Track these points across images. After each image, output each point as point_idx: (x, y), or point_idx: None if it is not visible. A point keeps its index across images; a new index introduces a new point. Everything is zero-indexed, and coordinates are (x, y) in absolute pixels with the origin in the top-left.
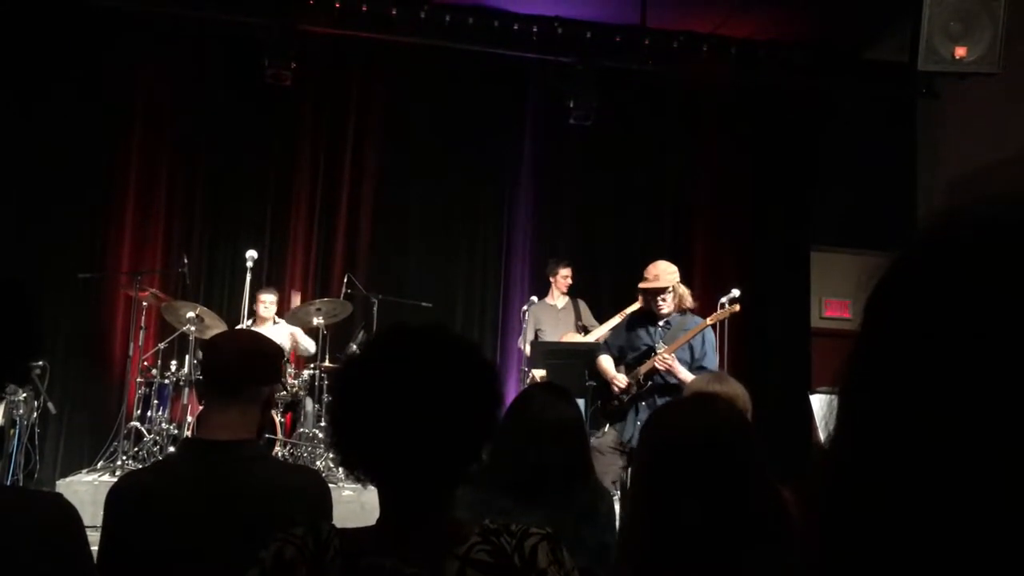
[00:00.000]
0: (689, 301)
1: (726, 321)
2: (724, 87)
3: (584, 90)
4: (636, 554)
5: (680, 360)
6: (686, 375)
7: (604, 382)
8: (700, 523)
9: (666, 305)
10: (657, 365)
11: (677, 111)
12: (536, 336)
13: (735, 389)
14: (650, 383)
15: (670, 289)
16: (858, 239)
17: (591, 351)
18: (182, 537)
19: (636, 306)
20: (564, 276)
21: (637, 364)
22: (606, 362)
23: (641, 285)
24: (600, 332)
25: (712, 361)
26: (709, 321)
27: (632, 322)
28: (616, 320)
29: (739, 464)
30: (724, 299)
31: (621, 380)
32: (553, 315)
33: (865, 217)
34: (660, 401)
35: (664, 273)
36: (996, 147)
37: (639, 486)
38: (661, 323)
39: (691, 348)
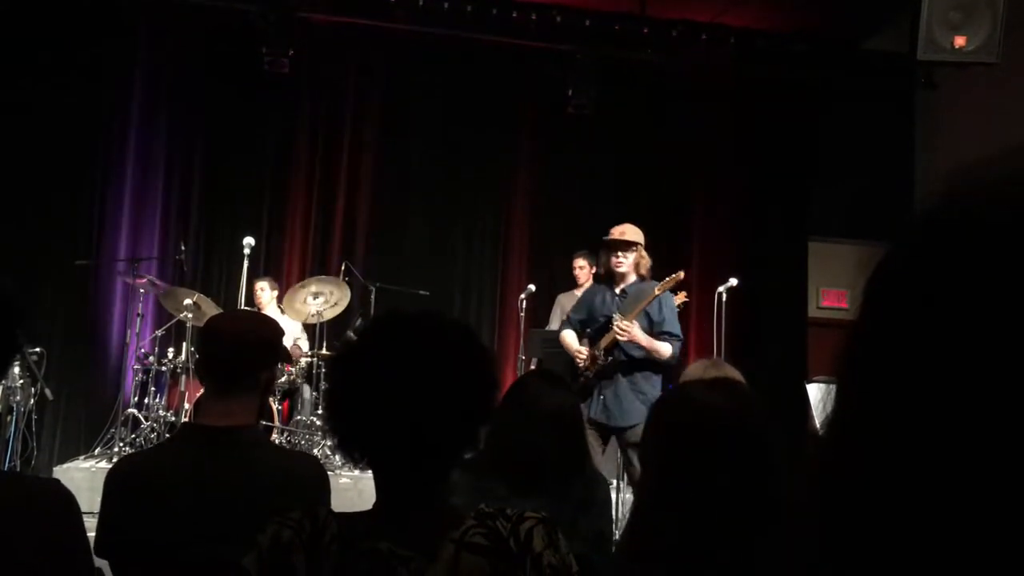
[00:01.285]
0: (646, 270)
1: (723, 309)
2: (723, 76)
3: (583, 79)
4: (656, 544)
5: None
6: (647, 339)
7: (570, 359)
8: (733, 513)
9: (624, 264)
10: (617, 335)
11: (676, 100)
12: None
13: (734, 376)
14: (610, 359)
15: (634, 248)
16: (856, 229)
17: None
18: (179, 521)
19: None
20: (577, 267)
21: (598, 337)
22: (569, 337)
23: (605, 238)
24: None
25: (674, 324)
26: (658, 290)
27: (590, 292)
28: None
29: (769, 451)
30: (722, 288)
31: (583, 353)
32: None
33: (863, 207)
34: (624, 377)
35: (630, 230)
36: (995, 137)
37: (660, 475)
38: (618, 292)
39: (648, 315)
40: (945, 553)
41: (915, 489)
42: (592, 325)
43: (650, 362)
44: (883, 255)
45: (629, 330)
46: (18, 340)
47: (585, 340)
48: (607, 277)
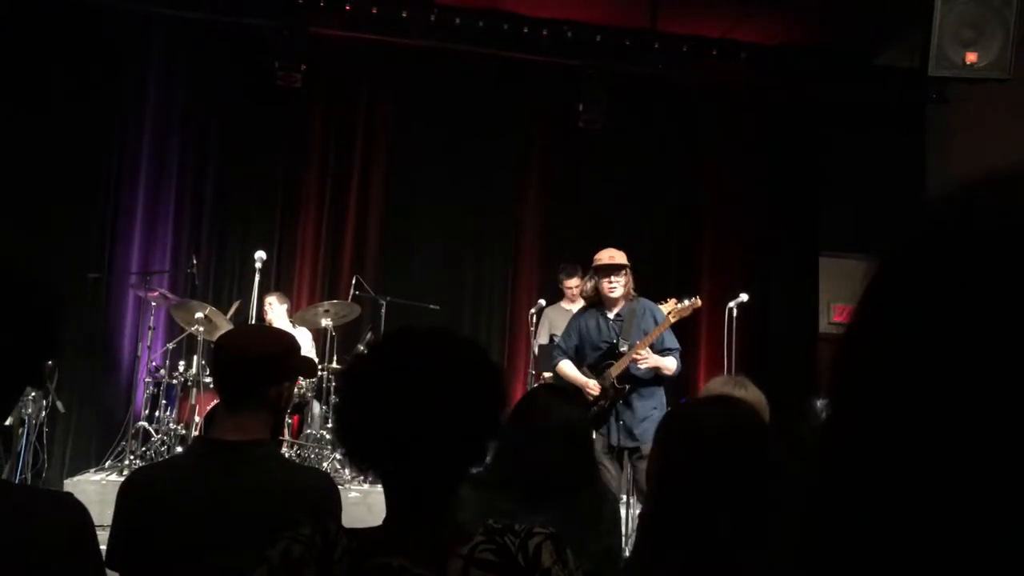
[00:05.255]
0: (630, 291)
1: (734, 324)
2: (734, 91)
3: (593, 94)
4: (660, 562)
5: None
6: (661, 361)
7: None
8: (732, 535)
9: (618, 287)
10: (636, 361)
11: (686, 115)
12: (550, 340)
13: (756, 396)
14: (627, 387)
15: (624, 272)
16: (867, 244)
17: None
18: (191, 533)
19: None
20: (569, 287)
21: (603, 364)
22: (568, 368)
23: (594, 264)
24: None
25: (673, 341)
26: (673, 318)
27: (579, 319)
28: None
29: (769, 468)
30: (732, 303)
31: (594, 387)
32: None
33: (874, 222)
34: (638, 399)
35: (619, 254)
36: (1007, 151)
37: (664, 492)
38: (612, 316)
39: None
40: (942, 562)
41: (911, 497)
42: (590, 351)
43: (654, 378)
44: (883, 258)
45: (648, 358)
46: (54, 343)
47: (585, 369)
48: (594, 301)
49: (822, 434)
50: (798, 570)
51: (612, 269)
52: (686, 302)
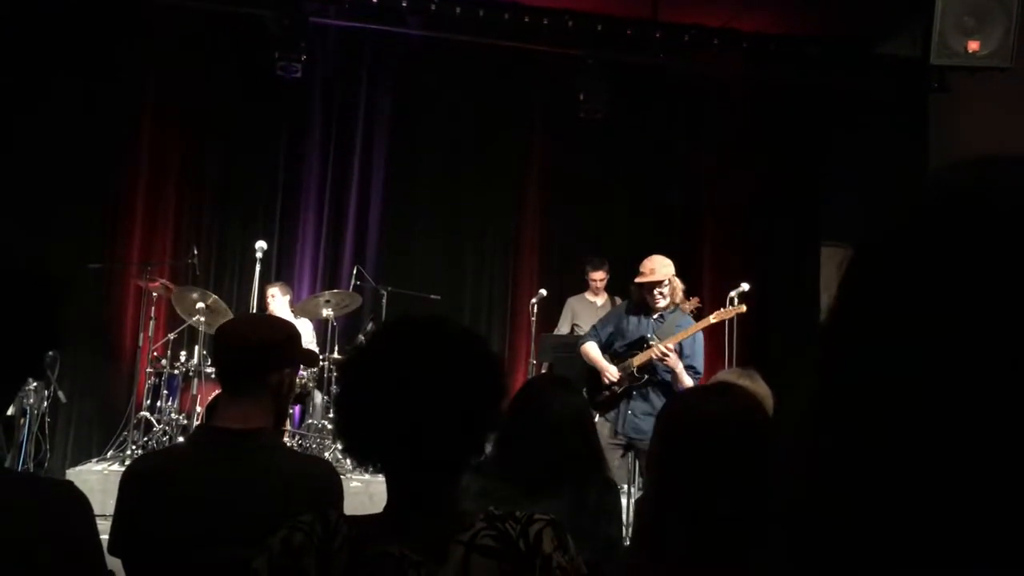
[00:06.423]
0: (681, 296)
1: (735, 316)
2: (735, 81)
3: (594, 84)
4: (659, 550)
5: None
6: (681, 369)
7: (586, 366)
8: (732, 519)
9: (663, 299)
10: (656, 354)
11: (687, 105)
12: (572, 331)
13: (763, 390)
14: (645, 376)
15: (666, 282)
16: None
17: None
18: (192, 521)
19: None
20: (595, 279)
21: (628, 354)
22: (593, 350)
23: (637, 280)
24: None
25: (700, 362)
26: (713, 319)
27: (621, 312)
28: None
29: (767, 459)
30: (734, 292)
31: (613, 372)
32: (592, 312)
33: (876, 212)
34: (653, 393)
35: (660, 266)
36: (1008, 142)
37: (664, 478)
38: (655, 316)
39: (680, 346)
40: (923, 551)
41: (899, 484)
42: (620, 341)
43: (669, 384)
44: (866, 242)
45: (669, 355)
46: (56, 334)
47: (608, 356)
48: (642, 304)
49: (810, 418)
50: (795, 557)
51: (655, 285)
52: (735, 292)
